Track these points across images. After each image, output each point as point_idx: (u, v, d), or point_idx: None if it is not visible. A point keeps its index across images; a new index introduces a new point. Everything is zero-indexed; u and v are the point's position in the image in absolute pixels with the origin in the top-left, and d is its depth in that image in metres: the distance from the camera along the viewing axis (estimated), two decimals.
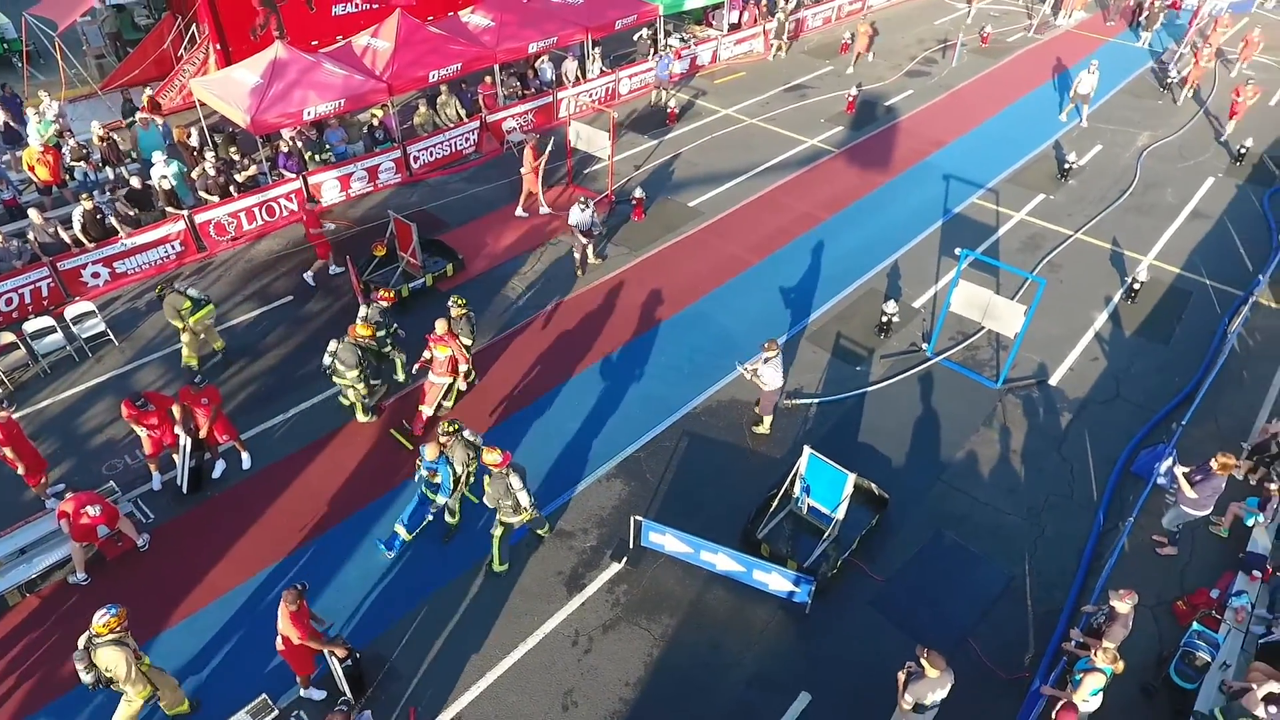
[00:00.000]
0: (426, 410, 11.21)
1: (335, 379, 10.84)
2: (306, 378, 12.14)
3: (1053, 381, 12.48)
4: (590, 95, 20.94)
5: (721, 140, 19.87)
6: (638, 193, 16.35)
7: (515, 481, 8.83)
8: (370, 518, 10.08)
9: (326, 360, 10.73)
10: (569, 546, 9.81)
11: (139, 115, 17.04)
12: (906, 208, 17.14)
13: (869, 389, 12.24)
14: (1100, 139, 20.39)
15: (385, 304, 11.75)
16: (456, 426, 9.64)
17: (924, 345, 13.08)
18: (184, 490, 10.21)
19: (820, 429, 11.54)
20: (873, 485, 10.18)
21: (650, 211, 16.57)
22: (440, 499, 9.42)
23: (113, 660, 7.03)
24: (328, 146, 16.58)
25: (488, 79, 18.83)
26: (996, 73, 24.76)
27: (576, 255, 14.53)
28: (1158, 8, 28.14)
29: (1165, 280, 14.94)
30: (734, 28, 25.09)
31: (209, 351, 12.36)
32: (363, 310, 11.41)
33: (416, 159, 17.58)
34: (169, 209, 14.33)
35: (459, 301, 11.38)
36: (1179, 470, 9.29)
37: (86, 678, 7.09)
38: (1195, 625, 8.26)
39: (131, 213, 14.15)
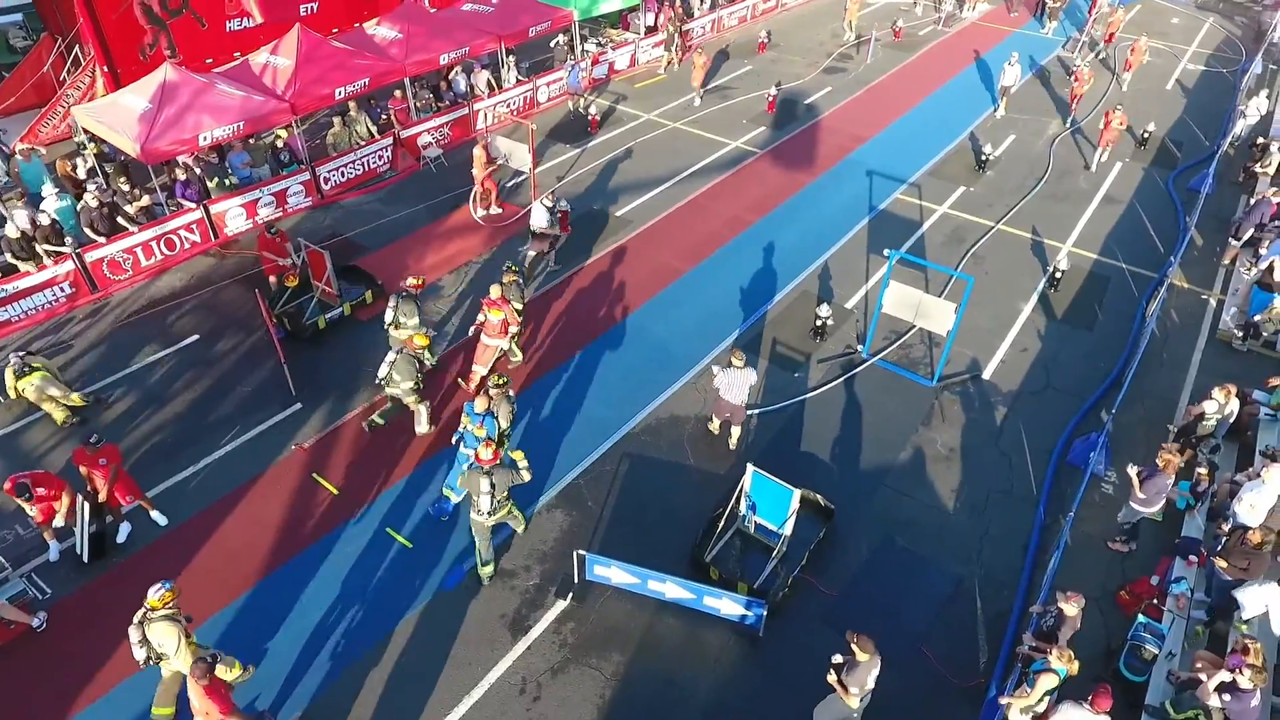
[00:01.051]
0: (480, 370, 11.68)
1: (388, 388, 10.74)
2: (219, 423, 11.35)
3: (986, 375, 12.58)
4: (507, 106, 20.39)
5: (646, 146, 19.58)
6: (563, 204, 15.88)
7: (484, 484, 8.71)
8: (297, 571, 9.42)
9: (383, 371, 10.57)
10: (510, 586, 9.35)
11: (18, 146, 15.83)
12: (833, 206, 17.17)
13: (808, 395, 12.12)
14: (1013, 129, 20.88)
15: (414, 290, 11.78)
16: (505, 382, 10.30)
17: (859, 347, 13.04)
18: (85, 559, 9.35)
19: (763, 439, 11.35)
20: (818, 496, 10.02)
21: (577, 223, 16.15)
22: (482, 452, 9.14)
23: (165, 634, 7.22)
24: (230, 171, 15.66)
25: (398, 93, 18.10)
26: (910, 67, 25.16)
27: (530, 253, 14.44)
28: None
29: (1084, 267, 15.30)
30: (651, 30, 24.81)
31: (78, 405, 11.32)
32: (396, 317, 11.48)
33: (327, 180, 16.75)
34: (48, 247, 13.18)
35: (511, 268, 12.12)
36: (1131, 471, 9.46)
37: (140, 654, 7.26)
38: (1141, 618, 8.34)
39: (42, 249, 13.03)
